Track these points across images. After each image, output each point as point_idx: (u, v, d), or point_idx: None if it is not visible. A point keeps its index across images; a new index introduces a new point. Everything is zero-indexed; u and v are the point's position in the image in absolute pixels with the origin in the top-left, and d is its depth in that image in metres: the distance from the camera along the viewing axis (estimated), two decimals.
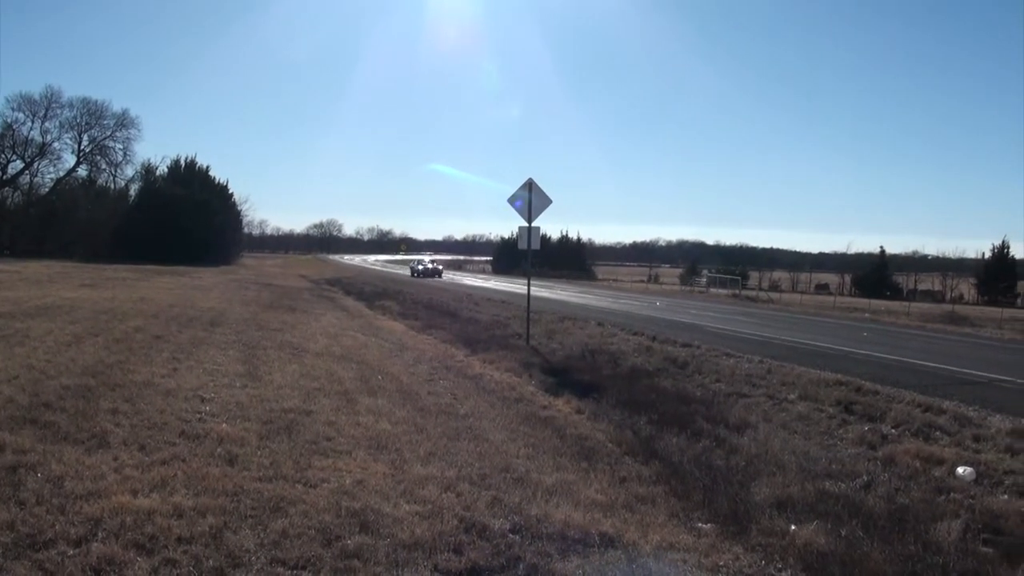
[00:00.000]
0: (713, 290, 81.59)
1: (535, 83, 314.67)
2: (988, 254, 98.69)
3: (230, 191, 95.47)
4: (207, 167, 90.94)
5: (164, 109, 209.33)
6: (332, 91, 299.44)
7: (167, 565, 5.22)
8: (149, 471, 7.10)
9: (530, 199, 20.63)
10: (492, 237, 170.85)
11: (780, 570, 5.99)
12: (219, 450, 7.96)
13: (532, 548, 5.97)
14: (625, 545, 6.16)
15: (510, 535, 6.22)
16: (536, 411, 11.61)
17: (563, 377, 14.69)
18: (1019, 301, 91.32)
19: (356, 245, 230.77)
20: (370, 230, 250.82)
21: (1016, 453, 10.31)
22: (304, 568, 5.34)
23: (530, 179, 20.81)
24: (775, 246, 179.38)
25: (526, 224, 20.94)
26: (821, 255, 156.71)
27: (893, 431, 11.43)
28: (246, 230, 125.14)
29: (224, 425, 9.01)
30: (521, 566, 5.60)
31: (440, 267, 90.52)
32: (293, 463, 7.74)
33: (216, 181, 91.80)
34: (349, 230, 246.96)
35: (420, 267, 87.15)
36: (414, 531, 6.05)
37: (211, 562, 5.27)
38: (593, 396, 12.76)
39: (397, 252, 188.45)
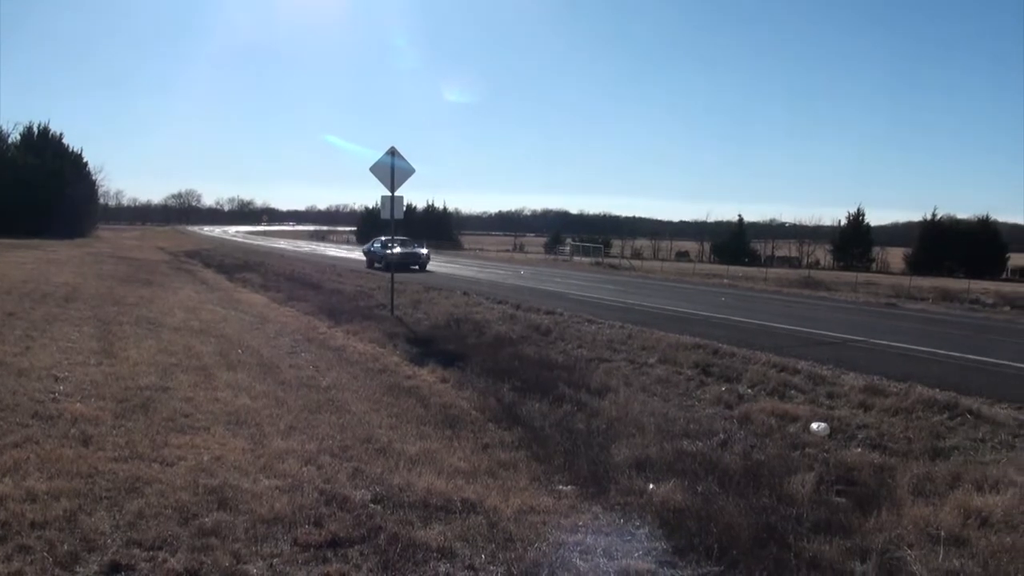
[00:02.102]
0: (577, 258, 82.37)
1: (401, 50, 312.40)
2: (844, 221, 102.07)
3: (84, 160, 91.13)
4: (60, 135, 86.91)
5: (12, 73, 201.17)
6: (188, 53, 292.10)
7: (20, 552, 5.04)
8: (0, 455, 6.86)
9: (392, 168, 20.46)
10: (356, 207, 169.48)
11: (638, 527, 6.10)
12: (73, 431, 7.73)
13: (394, 517, 5.96)
14: (487, 510, 6.19)
15: (371, 505, 6.20)
16: (400, 381, 11.57)
17: (428, 347, 14.67)
18: (873, 266, 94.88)
19: (216, 216, 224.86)
20: (231, 200, 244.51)
21: (869, 408, 10.71)
22: (161, 548, 5.22)
23: (392, 147, 20.63)
24: (637, 215, 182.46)
25: (389, 193, 20.78)
26: (682, 223, 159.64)
27: (749, 391, 11.75)
28: (102, 201, 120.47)
29: (78, 404, 8.75)
30: (382, 536, 5.57)
31: (424, 251, 47.39)
32: (149, 441, 7.57)
33: (70, 149, 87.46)
34: (209, 200, 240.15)
35: (385, 250, 42.31)
36: (273, 506, 5.97)
37: (65, 547, 5.11)
38: (458, 365, 12.78)
39: (259, 223, 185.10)
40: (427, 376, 11.99)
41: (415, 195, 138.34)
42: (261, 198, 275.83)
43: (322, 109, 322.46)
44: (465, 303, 23.48)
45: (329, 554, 5.31)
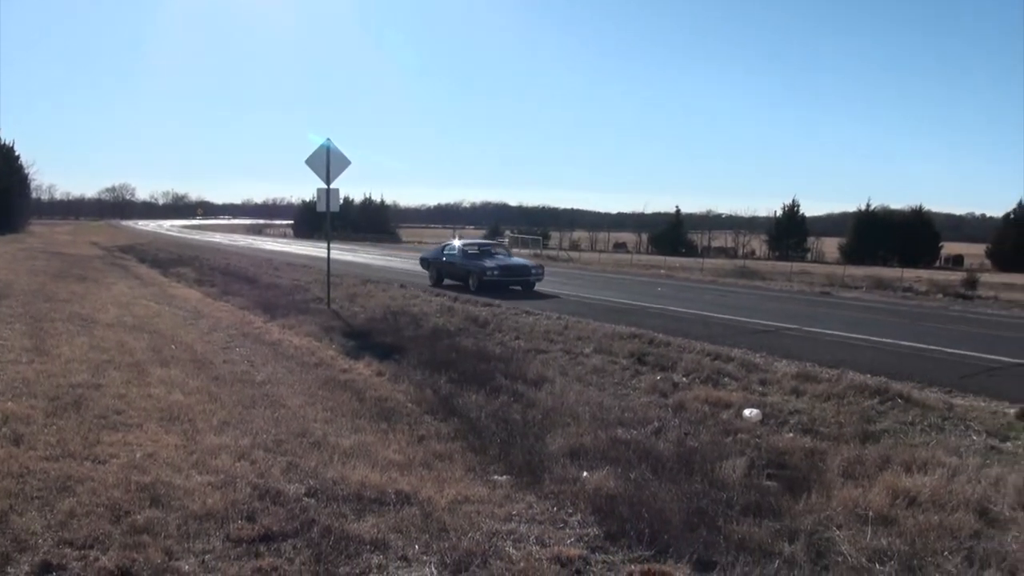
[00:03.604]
0: (516, 250, 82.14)
1: (338, 41, 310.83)
2: (779, 212, 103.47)
3: (17, 153, 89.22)
4: None
5: None
6: (122, 47, 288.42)
7: None
8: None
9: (328, 160, 20.33)
10: (293, 200, 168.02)
11: (571, 515, 6.19)
12: (4, 430, 7.65)
13: (327, 510, 5.97)
14: (421, 501, 6.23)
15: (305, 499, 6.21)
16: (336, 375, 11.54)
17: (364, 340, 14.62)
18: (808, 256, 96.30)
19: (151, 210, 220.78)
20: (165, 194, 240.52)
21: (801, 394, 10.93)
22: (92, 547, 5.19)
23: (328, 139, 20.53)
24: (576, 207, 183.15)
25: (325, 186, 20.64)
26: (620, 215, 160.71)
27: (684, 379, 11.88)
28: (34, 195, 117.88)
29: (9, 403, 8.67)
30: (315, 529, 5.58)
31: (530, 262, 32.35)
32: (81, 440, 7.51)
33: (1, 143, 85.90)
34: (143, 194, 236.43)
35: (471, 259, 29.15)
36: (206, 502, 5.96)
37: None
38: (394, 358, 12.77)
39: (194, 217, 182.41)
40: (363, 369, 11.97)
41: (352, 188, 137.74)
42: (196, 192, 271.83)
43: (259, 102, 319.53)
44: (402, 296, 23.44)
45: (262, 548, 5.31)
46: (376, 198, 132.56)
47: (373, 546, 5.40)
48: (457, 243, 31.87)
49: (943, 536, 5.88)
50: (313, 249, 58.45)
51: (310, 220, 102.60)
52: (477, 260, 28.91)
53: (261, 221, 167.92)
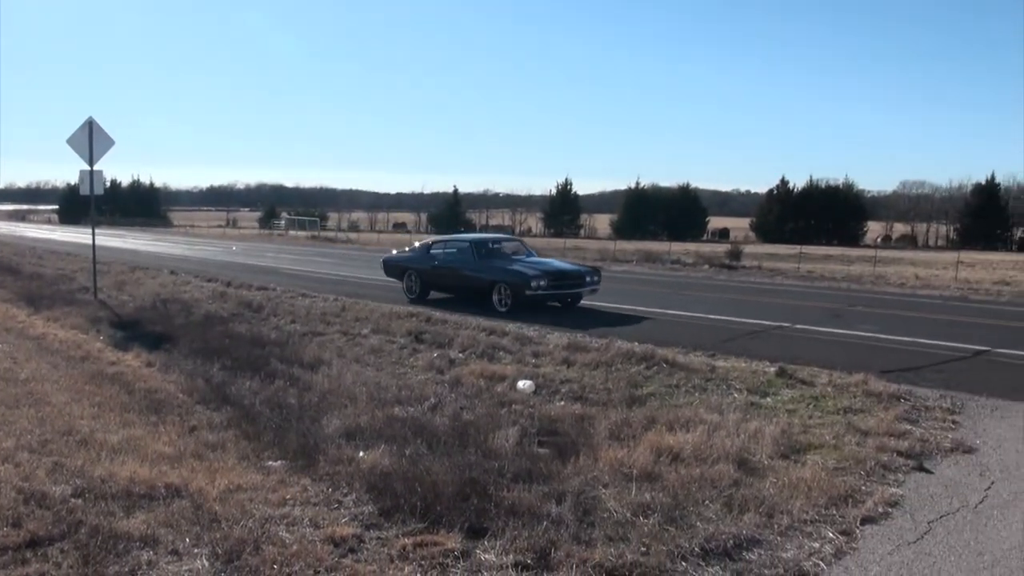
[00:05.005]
0: (292, 232, 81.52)
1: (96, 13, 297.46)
2: (553, 191, 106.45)
3: None
4: None
5: None
6: None
7: None
8: None
9: (91, 140, 19.47)
10: (59, 184, 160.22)
11: (346, 494, 6.24)
12: None
13: (95, 510, 5.80)
14: (192, 493, 6.14)
15: (72, 500, 6.00)
16: (103, 368, 11.15)
17: (133, 330, 14.18)
18: (582, 232, 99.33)
19: None
20: None
21: (572, 364, 11.38)
22: None
23: (90, 118, 19.62)
24: (355, 187, 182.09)
25: (88, 168, 19.78)
26: (399, 195, 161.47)
27: (461, 355, 12.12)
28: None
29: None
30: (83, 530, 5.41)
31: (588, 267, 20.28)
32: None
33: None
34: None
35: (486, 258, 19.27)
36: None
37: None
38: (165, 347, 12.45)
39: None
40: (132, 361, 11.61)
41: (120, 170, 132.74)
42: None
43: (19, 73, 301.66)
44: (173, 282, 22.94)
45: (28, 554, 5.12)
46: (145, 180, 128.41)
47: (143, 542, 5.29)
48: (468, 237, 23.26)
49: (704, 487, 6.33)
50: (79, 236, 55.96)
51: (76, 205, 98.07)
52: (501, 264, 19.30)
53: (24, 207, 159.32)
